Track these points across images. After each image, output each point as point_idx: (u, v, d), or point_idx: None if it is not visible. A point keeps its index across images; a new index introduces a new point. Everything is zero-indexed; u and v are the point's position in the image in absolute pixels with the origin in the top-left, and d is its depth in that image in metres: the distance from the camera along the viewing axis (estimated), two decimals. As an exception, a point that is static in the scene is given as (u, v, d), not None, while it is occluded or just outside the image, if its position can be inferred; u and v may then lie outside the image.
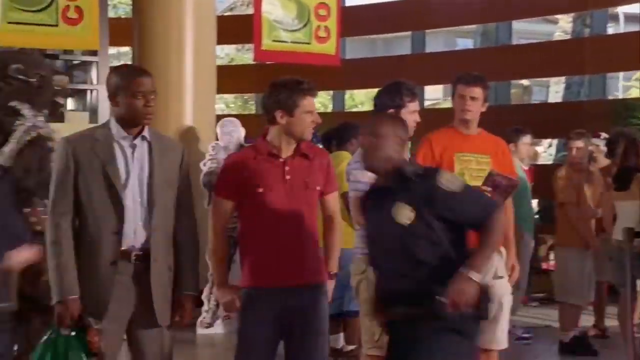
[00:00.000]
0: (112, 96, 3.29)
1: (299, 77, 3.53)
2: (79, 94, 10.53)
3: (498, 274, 4.25)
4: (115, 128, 3.31)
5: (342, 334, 5.80)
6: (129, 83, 3.26)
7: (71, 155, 3.23)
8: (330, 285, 3.65)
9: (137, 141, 3.32)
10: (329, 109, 14.36)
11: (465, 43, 21.05)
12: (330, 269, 3.65)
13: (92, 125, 5.07)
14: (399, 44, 20.11)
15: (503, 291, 4.28)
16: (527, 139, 6.63)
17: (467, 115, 4.30)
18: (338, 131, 6.12)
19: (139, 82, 3.27)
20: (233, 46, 20.10)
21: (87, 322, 3.20)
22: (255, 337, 3.46)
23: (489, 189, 4.13)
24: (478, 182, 4.18)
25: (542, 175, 7.34)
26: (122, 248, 3.24)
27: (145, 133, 3.34)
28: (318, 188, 3.55)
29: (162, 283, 3.31)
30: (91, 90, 9.51)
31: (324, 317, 3.56)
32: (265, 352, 3.48)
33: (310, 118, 3.48)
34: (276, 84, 3.52)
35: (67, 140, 3.30)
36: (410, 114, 4.05)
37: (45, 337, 3.23)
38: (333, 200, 3.66)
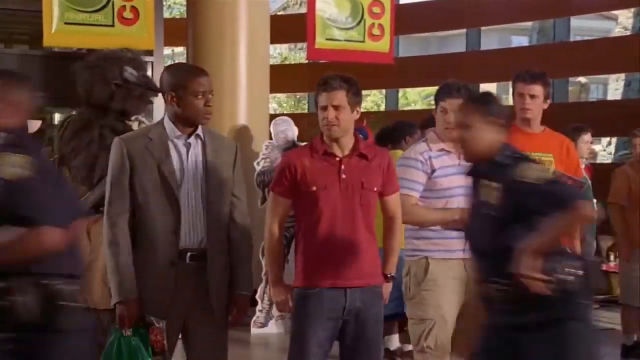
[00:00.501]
0: (171, 95, 3.26)
1: (344, 74, 3.48)
2: (134, 94, 10.64)
3: None
4: (169, 127, 3.30)
5: (396, 335, 5.71)
6: (189, 82, 3.23)
7: (126, 155, 3.22)
8: (387, 288, 3.59)
9: (192, 140, 3.30)
10: (382, 107, 14.28)
11: (519, 40, 20.76)
12: (388, 270, 3.59)
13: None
14: (453, 42, 19.89)
15: None
16: (587, 137, 6.47)
17: (527, 114, 4.21)
18: (392, 130, 6.02)
19: (200, 81, 3.25)
20: (285, 46, 20.14)
21: (149, 321, 3.19)
22: (309, 338, 3.42)
23: None
24: None
25: (601, 174, 7.15)
26: (179, 248, 3.22)
27: (199, 132, 3.32)
28: (375, 189, 3.48)
29: (219, 282, 3.28)
30: (147, 90, 9.57)
31: (379, 319, 3.52)
32: (319, 353, 3.43)
33: (321, 115, 3.41)
34: None
35: (122, 140, 3.29)
36: (441, 112, 3.91)
37: (110, 339, 3.24)
38: (394, 202, 3.59)
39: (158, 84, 3.60)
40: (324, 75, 3.46)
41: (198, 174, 3.27)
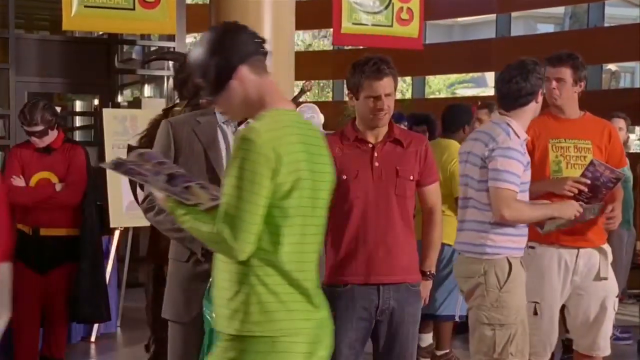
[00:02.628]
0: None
1: (381, 56, 3.20)
2: (156, 81, 10.48)
3: (601, 275, 3.89)
4: (219, 112, 3.07)
5: (430, 334, 5.43)
6: None
7: (172, 138, 3.02)
8: (426, 286, 3.35)
9: (242, 126, 3.10)
10: (407, 95, 14.02)
11: (545, 28, 20.49)
12: (427, 267, 3.35)
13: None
14: (477, 29, 19.62)
15: (605, 293, 3.91)
16: (620, 123, 6.16)
17: (555, 99, 3.93)
18: (446, 115, 5.34)
19: None
20: (310, 33, 19.94)
21: None
22: (339, 340, 3.15)
23: (587, 181, 3.75)
24: (577, 172, 3.80)
25: (633, 164, 6.87)
26: None
27: (251, 119, 3.12)
28: (412, 177, 3.24)
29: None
30: (168, 77, 9.42)
31: (415, 321, 3.28)
32: (350, 355, 3.20)
33: (372, 105, 3.16)
34: (353, 64, 3.25)
35: (169, 122, 3.09)
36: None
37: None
38: (433, 192, 3.34)
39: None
40: (363, 59, 3.18)
41: None
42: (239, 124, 3.07)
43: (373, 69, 3.14)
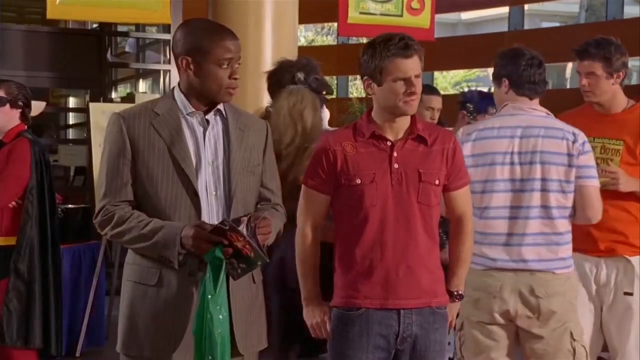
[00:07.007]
0: (186, 60, 2.56)
1: (401, 33, 2.74)
2: (152, 75, 10.09)
3: (625, 289, 3.56)
4: (180, 100, 2.61)
5: None
6: (213, 46, 2.53)
7: (126, 134, 2.55)
8: (453, 308, 2.88)
9: (210, 117, 2.62)
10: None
11: (548, 26, 20.35)
12: (455, 287, 2.87)
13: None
14: (481, 27, 19.35)
15: (633, 305, 3.57)
16: None
17: (587, 96, 3.61)
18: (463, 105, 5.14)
19: (226, 46, 2.55)
20: (313, 29, 19.61)
21: (218, 228, 2.46)
22: None
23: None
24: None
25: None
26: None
27: (221, 106, 2.64)
28: (437, 182, 2.76)
29: (243, 298, 2.60)
30: (164, 71, 9.00)
31: (442, 349, 2.80)
32: None
33: (402, 89, 2.68)
34: (370, 43, 2.76)
35: (121, 116, 2.59)
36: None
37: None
38: (462, 197, 2.86)
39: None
40: (383, 37, 2.71)
41: (219, 160, 2.59)
42: (206, 112, 2.62)
43: (400, 46, 2.66)
